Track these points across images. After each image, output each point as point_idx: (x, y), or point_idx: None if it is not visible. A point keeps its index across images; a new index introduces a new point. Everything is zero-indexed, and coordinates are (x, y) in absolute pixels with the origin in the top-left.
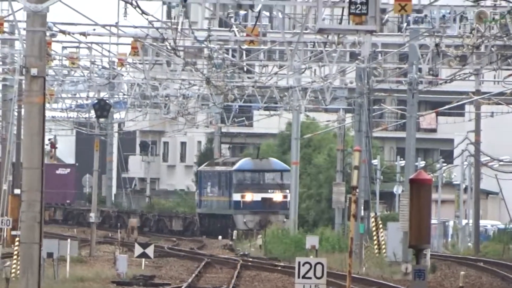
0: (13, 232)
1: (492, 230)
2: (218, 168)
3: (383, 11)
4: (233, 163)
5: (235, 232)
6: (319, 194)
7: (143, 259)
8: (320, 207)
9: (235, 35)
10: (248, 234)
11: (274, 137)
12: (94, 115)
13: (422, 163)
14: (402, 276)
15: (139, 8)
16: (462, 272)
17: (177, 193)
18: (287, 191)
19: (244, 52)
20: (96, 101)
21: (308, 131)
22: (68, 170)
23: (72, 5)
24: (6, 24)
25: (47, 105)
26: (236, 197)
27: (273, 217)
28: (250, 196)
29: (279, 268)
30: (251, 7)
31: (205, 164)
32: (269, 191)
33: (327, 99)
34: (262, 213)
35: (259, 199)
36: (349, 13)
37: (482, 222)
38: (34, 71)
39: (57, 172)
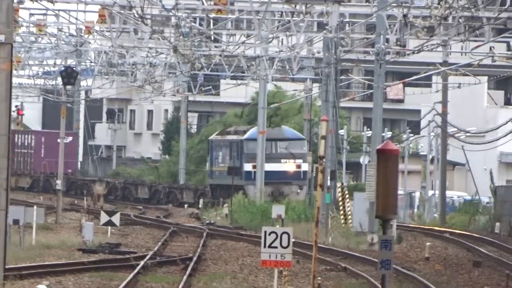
0: None
1: (458, 201)
2: (229, 137)
3: None
4: (244, 132)
5: (201, 200)
6: None
7: (109, 227)
8: None
9: (203, 4)
10: (215, 203)
11: (241, 106)
12: (61, 82)
13: (389, 134)
14: (368, 246)
15: None
16: (428, 243)
17: (143, 160)
18: (301, 160)
19: (211, 21)
20: (63, 68)
21: (275, 100)
22: (70, 138)
23: None
24: None
25: (14, 72)
26: (247, 167)
27: (286, 188)
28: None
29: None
30: None
31: (216, 133)
32: (282, 161)
33: (294, 68)
34: (275, 184)
35: (272, 169)
36: None
37: (448, 193)
38: (1, 37)
39: (59, 140)
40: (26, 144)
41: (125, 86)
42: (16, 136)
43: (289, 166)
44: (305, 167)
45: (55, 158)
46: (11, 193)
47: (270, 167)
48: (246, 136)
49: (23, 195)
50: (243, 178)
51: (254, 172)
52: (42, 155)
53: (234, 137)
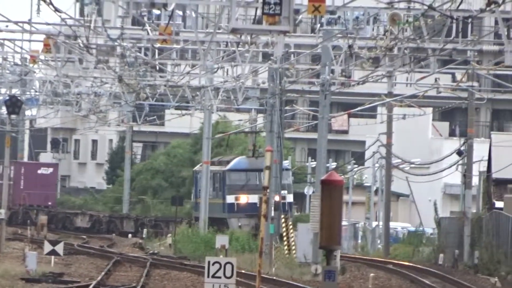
0: None
1: (402, 233)
2: (212, 168)
3: (297, 11)
4: (228, 162)
5: (145, 230)
6: None
7: (53, 256)
8: None
9: (148, 34)
10: (158, 233)
11: (186, 136)
12: (6, 112)
13: (333, 165)
14: (312, 277)
15: (52, 5)
16: (372, 274)
17: (87, 190)
18: (285, 191)
19: (156, 51)
20: (7, 97)
21: (218, 129)
22: (51, 169)
23: None
24: None
25: None
26: (230, 199)
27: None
28: (245, 198)
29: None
30: (164, 6)
31: (200, 164)
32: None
33: (239, 99)
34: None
35: (255, 201)
36: (263, 13)
37: (392, 224)
38: None
39: (39, 172)
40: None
41: (70, 116)
42: None
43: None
44: (290, 198)
45: (35, 189)
46: None
47: (254, 198)
48: (228, 167)
49: None
50: (226, 210)
51: (237, 204)
52: (22, 187)
53: (217, 167)
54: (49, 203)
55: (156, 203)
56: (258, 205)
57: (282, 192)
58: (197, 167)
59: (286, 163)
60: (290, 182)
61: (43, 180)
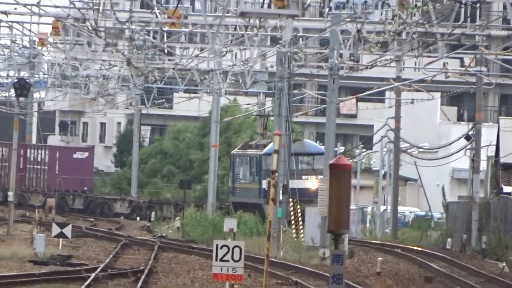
0: None
1: (410, 217)
2: (249, 151)
3: None
4: (264, 146)
5: (153, 213)
6: None
7: (61, 239)
8: None
9: (157, 17)
10: (166, 217)
11: (194, 119)
12: (14, 94)
13: (341, 149)
14: (319, 261)
15: None
16: (380, 258)
17: (97, 173)
18: (322, 176)
19: (165, 34)
20: (16, 80)
21: (228, 114)
22: (86, 154)
23: None
24: None
25: None
26: (265, 184)
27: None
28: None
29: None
30: None
31: (238, 146)
32: (303, 177)
33: (248, 82)
34: (300, 201)
35: (292, 186)
36: None
37: (400, 209)
38: None
39: (74, 156)
40: (39, 159)
41: (78, 99)
42: (29, 150)
43: (310, 183)
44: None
45: (70, 175)
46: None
47: (291, 184)
48: (265, 150)
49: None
50: (262, 195)
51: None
52: (57, 172)
53: (254, 151)
54: (85, 188)
55: (166, 187)
56: (294, 191)
57: (320, 177)
58: (235, 151)
59: (321, 146)
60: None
61: (79, 165)
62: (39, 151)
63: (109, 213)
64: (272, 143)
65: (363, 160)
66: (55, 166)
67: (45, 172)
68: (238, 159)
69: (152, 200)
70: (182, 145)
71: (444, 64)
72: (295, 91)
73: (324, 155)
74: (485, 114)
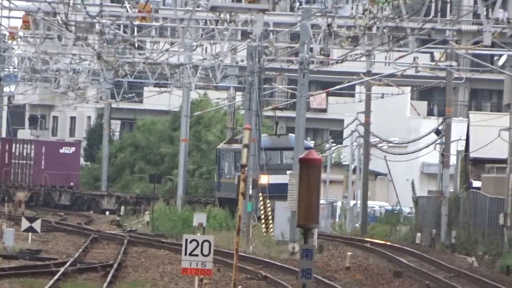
0: None
1: (380, 212)
2: (235, 146)
3: None
4: None
5: (122, 207)
6: (209, 172)
7: (30, 233)
8: (210, 184)
9: (127, 11)
10: (136, 211)
11: (165, 114)
12: None
13: (311, 143)
14: (289, 255)
15: None
16: (349, 253)
17: None
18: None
19: (135, 28)
20: None
21: (198, 108)
22: (73, 149)
23: None
24: None
25: None
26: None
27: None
28: (265, 179)
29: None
30: None
31: (224, 141)
32: (287, 172)
33: (218, 77)
34: (280, 197)
35: (276, 181)
36: None
37: (370, 203)
38: None
39: (61, 151)
40: (25, 154)
41: (48, 93)
42: (14, 145)
43: None
44: None
45: (57, 170)
46: None
47: (275, 179)
48: None
49: None
50: None
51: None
52: (43, 167)
53: (239, 146)
54: (72, 184)
55: (135, 181)
56: (279, 186)
57: None
58: (220, 145)
59: (310, 143)
60: None
61: (65, 160)
62: (25, 146)
63: (96, 209)
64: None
65: (333, 155)
66: (41, 161)
67: (31, 167)
68: (223, 154)
69: (139, 196)
70: (154, 138)
71: (414, 59)
72: (265, 85)
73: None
74: (455, 109)
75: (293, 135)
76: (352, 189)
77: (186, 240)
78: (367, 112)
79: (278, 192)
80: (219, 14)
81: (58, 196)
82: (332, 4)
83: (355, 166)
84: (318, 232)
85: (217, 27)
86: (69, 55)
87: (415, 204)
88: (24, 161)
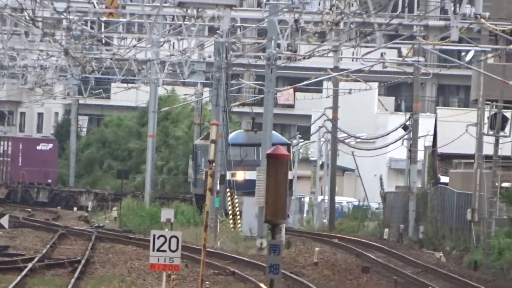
0: None
1: (347, 207)
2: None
3: None
4: None
5: (90, 203)
6: (177, 167)
7: None
8: (177, 180)
9: (95, 7)
10: (104, 206)
11: (132, 109)
12: None
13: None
14: (257, 251)
15: None
16: (317, 248)
17: None
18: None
19: (103, 24)
20: None
21: (166, 104)
22: (50, 145)
23: None
24: None
25: None
26: (228, 175)
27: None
28: (241, 175)
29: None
30: None
31: (201, 137)
32: None
33: (185, 72)
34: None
35: (253, 177)
36: None
37: (337, 199)
38: None
39: (38, 148)
40: (1, 151)
41: (16, 89)
42: None
43: None
44: (290, 175)
45: (34, 167)
46: None
47: (251, 175)
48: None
49: None
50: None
51: (234, 181)
52: (20, 164)
53: None
54: (50, 181)
55: (103, 176)
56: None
57: None
58: (197, 141)
59: (285, 139)
60: (290, 158)
61: (43, 157)
62: (1, 142)
63: (75, 206)
64: (235, 132)
65: (300, 150)
66: (18, 158)
67: (8, 164)
68: (200, 150)
69: (118, 192)
70: (122, 133)
71: (381, 54)
72: (232, 81)
73: (288, 146)
74: (422, 104)
75: (273, 131)
76: (320, 184)
77: (154, 235)
78: (335, 107)
79: (254, 188)
80: (186, 10)
81: (36, 193)
82: (299, 0)
83: (322, 161)
84: (286, 227)
85: (185, 23)
86: (36, 51)
87: (383, 199)
88: (1, 158)
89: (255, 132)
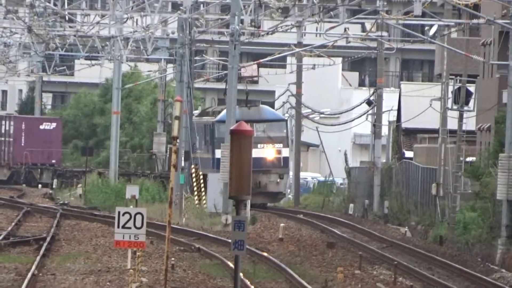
0: None
1: (312, 183)
2: (205, 118)
3: None
4: (219, 112)
5: (55, 181)
6: (141, 144)
7: None
8: (141, 157)
9: None
10: (68, 183)
11: (96, 86)
12: None
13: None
14: (222, 227)
15: None
16: (282, 224)
17: None
18: (281, 145)
19: (66, 1)
20: None
21: (130, 81)
22: (54, 124)
23: None
24: None
25: None
26: (218, 153)
27: (264, 177)
28: None
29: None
30: None
31: (197, 113)
32: (259, 145)
33: (149, 49)
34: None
35: None
36: None
37: (302, 174)
38: None
39: (41, 127)
40: (3, 131)
41: None
42: None
43: (267, 152)
44: (286, 152)
45: (37, 147)
46: None
47: None
48: (217, 117)
49: None
50: (215, 166)
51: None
52: (23, 144)
53: (209, 118)
54: (53, 161)
55: (68, 154)
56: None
57: (277, 146)
58: (193, 118)
59: (283, 116)
60: (285, 134)
61: (46, 136)
62: (3, 122)
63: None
64: (225, 110)
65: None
66: (21, 138)
67: (10, 144)
68: (195, 127)
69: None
70: (86, 109)
71: (345, 30)
72: (196, 57)
73: (281, 122)
74: (386, 79)
75: (265, 106)
76: None
77: (119, 212)
78: (299, 83)
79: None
80: None
81: (39, 174)
82: None
83: None
84: (250, 203)
85: None
86: (0, 28)
87: (348, 175)
88: (3, 138)
89: (249, 108)
